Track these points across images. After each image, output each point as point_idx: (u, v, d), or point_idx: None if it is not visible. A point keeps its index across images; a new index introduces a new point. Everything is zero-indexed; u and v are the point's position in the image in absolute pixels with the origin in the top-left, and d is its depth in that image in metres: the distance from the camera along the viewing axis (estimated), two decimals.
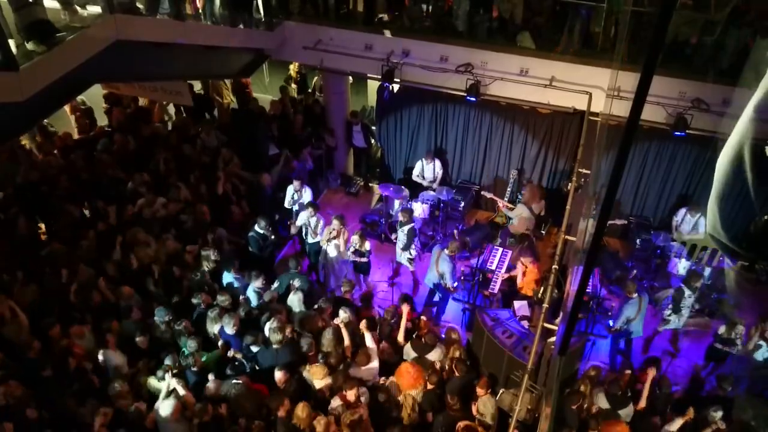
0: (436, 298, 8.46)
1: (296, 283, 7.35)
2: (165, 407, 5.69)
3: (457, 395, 5.98)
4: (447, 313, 8.45)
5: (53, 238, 7.80)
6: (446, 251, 7.78)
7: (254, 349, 6.46)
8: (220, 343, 6.75)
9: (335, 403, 5.80)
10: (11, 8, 5.22)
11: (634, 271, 8.64)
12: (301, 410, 5.59)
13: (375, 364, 6.42)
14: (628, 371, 6.70)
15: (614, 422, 5.98)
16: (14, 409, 5.47)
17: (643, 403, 6.26)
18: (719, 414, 6.02)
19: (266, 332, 6.56)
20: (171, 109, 11.91)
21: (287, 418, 5.64)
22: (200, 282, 7.39)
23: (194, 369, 6.22)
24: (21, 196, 8.32)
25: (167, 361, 6.17)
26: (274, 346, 6.31)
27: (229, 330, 6.54)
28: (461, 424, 5.60)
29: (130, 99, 10.76)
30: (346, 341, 6.57)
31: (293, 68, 12.13)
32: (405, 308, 6.89)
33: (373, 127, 10.94)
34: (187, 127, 10.38)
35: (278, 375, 6.07)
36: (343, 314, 6.68)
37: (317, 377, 6.12)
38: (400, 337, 6.86)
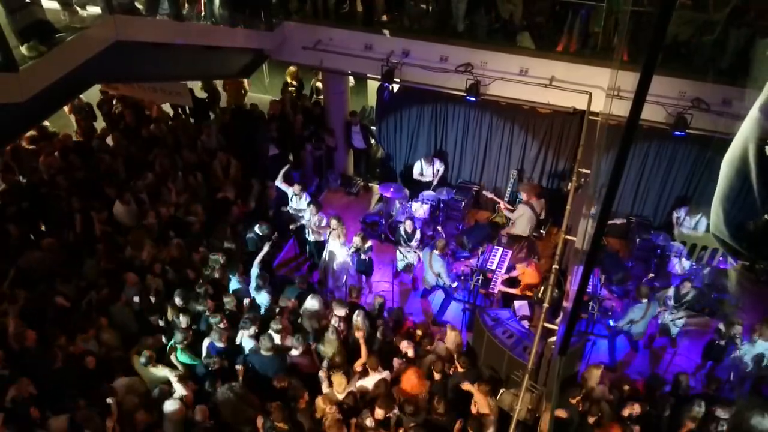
0: (437, 297, 8.48)
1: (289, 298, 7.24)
2: (168, 406, 5.70)
3: (446, 397, 5.95)
4: (447, 313, 8.45)
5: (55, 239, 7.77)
6: (436, 251, 7.85)
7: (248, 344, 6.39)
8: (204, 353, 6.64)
9: (368, 421, 5.64)
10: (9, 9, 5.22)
11: (651, 275, 8.59)
12: (322, 401, 5.64)
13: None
14: (627, 386, 6.62)
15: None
16: (21, 409, 5.46)
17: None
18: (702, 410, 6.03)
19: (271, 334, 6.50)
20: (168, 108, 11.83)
21: (308, 408, 5.67)
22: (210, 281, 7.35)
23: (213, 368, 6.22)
24: (21, 197, 8.29)
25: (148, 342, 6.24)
26: (263, 352, 6.18)
27: (219, 344, 6.47)
28: None
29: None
30: (361, 339, 6.46)
31: (290, 76, 11.68)
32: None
33: (373, 128, 10.94)
34: (186, 129, 10.36)
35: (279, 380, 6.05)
36: (359, 318, 6.63)
37: (340, 389, 5.96)
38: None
